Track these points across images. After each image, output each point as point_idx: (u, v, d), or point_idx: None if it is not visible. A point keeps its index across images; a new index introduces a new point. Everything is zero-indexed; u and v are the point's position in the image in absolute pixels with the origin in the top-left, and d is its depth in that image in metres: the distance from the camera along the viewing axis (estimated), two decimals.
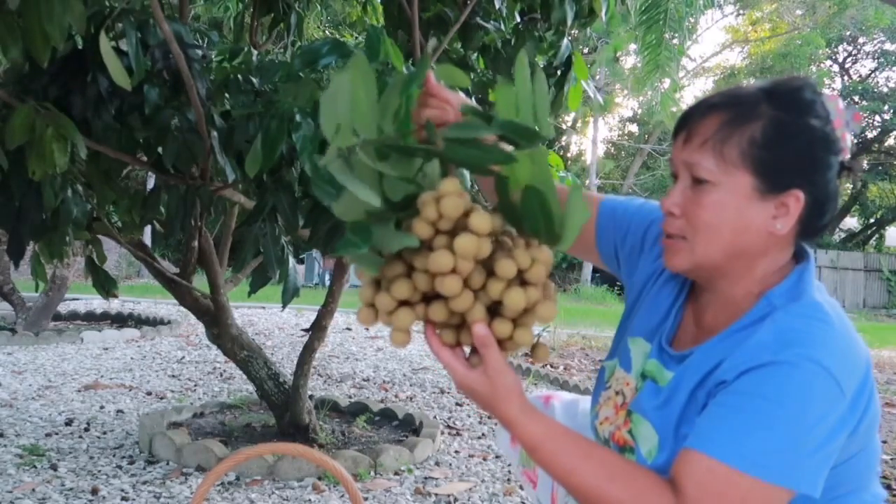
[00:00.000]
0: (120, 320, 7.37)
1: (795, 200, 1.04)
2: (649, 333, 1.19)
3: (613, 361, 1.25)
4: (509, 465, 1.22)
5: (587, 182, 17.93)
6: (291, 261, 2.25)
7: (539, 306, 0.95)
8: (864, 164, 21.83)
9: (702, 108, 1.08)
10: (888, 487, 2.74)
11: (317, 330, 3.27)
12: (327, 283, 12.40)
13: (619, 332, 1.29)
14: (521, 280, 0.94)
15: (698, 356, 1.08)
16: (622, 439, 1.14)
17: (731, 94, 1.09)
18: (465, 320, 0.96)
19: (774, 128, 1.04)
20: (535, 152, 0.94)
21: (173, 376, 4.71)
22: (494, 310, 0.95)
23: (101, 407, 3.75)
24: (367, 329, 7.21)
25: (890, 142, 21.19)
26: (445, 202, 0.91)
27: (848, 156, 1.09)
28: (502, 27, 3.03)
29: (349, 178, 0.91)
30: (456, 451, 3.18)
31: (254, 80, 2.22)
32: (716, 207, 1.05)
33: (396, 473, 2.83)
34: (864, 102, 20.03)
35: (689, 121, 1.09)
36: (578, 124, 20.84)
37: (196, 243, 2.76)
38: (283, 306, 2.28)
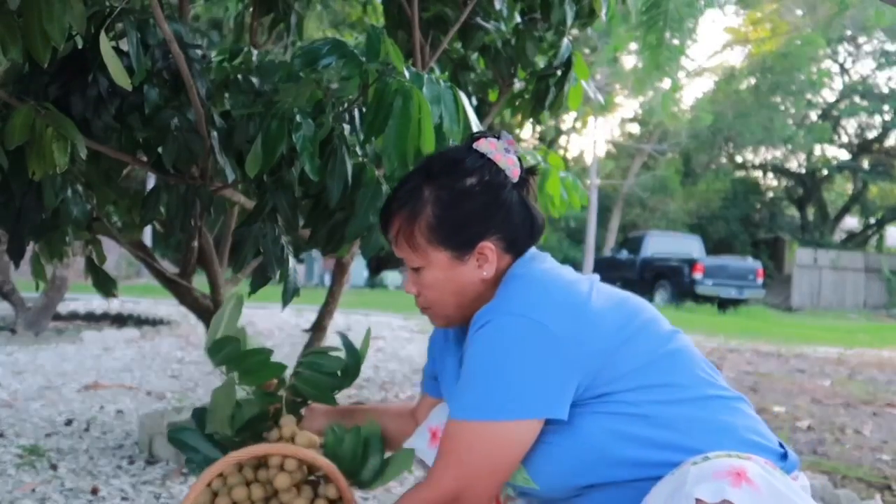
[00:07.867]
0: (120, 320, 7.37)
1: (489, 250, 1.26)
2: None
3: None
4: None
5: (587, 182, 17.88)
6: (291, 261, 2.24)
7: None
8: (864, 165, 21.68)
9: (385, 217, 1.33)
10: (888, 487, 2.74)
11: (317, 330, 3.27)
12: (327, 283, 12.40)
13: None
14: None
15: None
16: None
17: (400, 193, 1.31)
18: None
19: (438, 206, 1.26)
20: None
21: (173, 376, 4.71)
22: None
23: (101, 407, 3.75)
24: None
25: (890, 142, 21.17)
26: (285, 430, 1.48)
27: (518, 173, 1.28)
28: (502, 27, 3.03)
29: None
30: None
31: (254, 80, 2.22)
32: (433, 284, 1.30)
33: None
34: (865, 102, 20.01)
35: (384, 230, 1.35)
36: (578, 124, 20.83)
37: (196, 243, 2.76)
38: (283, 306, 2.28)
